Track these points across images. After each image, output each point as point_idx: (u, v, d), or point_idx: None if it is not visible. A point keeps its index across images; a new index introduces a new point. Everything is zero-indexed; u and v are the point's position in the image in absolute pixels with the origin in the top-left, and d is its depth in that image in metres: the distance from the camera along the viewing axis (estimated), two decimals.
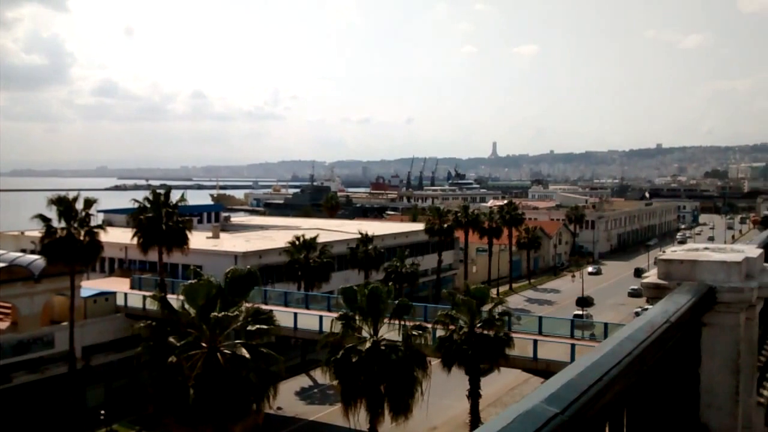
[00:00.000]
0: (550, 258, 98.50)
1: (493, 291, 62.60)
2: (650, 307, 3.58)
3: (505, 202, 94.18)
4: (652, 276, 4.21)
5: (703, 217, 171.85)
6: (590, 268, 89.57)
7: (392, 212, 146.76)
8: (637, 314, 10.22)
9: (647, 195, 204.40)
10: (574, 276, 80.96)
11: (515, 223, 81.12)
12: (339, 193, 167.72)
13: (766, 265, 4.67)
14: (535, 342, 34.58)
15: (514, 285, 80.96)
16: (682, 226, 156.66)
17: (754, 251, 4.46)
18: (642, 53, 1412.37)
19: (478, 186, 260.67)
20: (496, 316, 33.29)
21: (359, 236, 59.60)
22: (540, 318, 40.03)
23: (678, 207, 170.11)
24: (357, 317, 29.55)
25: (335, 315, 31.70)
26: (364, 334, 29.49)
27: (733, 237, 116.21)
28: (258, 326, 26.55)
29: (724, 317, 3.99)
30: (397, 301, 30.28)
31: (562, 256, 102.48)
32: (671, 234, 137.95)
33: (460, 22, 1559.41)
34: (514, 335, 33.93)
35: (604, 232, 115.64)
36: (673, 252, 4.41)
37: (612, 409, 2.28)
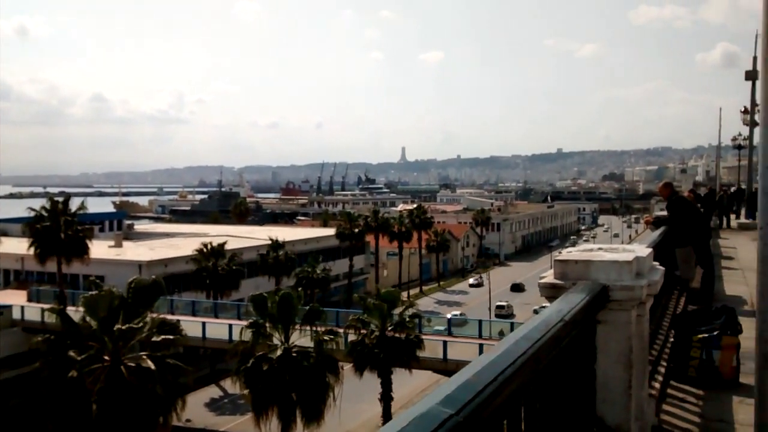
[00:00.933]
0: (458, 260, 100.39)
1: (404, 294, 63.35)
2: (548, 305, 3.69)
3: (415, 206, 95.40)
4: (549, 276, 4.34)
5: (602, 219, 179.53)
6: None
7: (303, 218, 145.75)
8: (536, 312, 10.56)
9: (549, 198, 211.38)
10: (481, 277, 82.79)
11: (424, 227, 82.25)
12: (248, 199, 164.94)
13: (655, 263, 4.91)
14: (445, 343, 35.19)
15: (425, 287, 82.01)
16: (583, 228, 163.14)
17: (644, 251, 4.67)
18: (542, 61, 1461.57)
19: (388, 190, 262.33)
20: (407, 319, 33.64)
21: (269, 242, 58.95)
22: (449, 319, 40.72)
23: (578, 209, 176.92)
24: (268, 324, 29.19)
25: (245, 323, 31.20)
26: (275, 341, 29.17)
27: (630, 237, 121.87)
28: (164, 337, 25.81)
29: (617, 314, 4.13)
30: (308, 307, 30.13)
31: (470, 258, 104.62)
32: (572, 235, 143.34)
33: (367, 29, 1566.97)
34: (424, 337, 34.41)
35: (510, 234, 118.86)
36: (569, 253, 4.56)
37: (508, 408, 2.32)
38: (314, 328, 29.40)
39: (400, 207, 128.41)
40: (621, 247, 4.87)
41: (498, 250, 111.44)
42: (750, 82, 32.54)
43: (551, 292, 4.18)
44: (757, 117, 33.68)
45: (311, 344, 28.95)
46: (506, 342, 2.56)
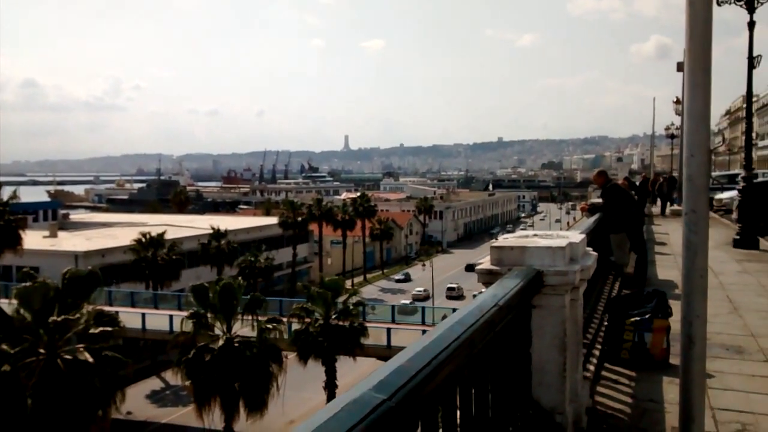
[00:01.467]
0: (402, 248, 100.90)
1: (348, 282, 63.49)
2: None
3: (358, 194, 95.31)
4: (485, 263, 4.40)
5: (541, 206, 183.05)
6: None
7: (245, 206, 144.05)
8: (475, 297, 10.79)
9: (490, 186, 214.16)
10: (424, 265, 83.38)
11: (368, 215, 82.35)
12: (188, 188, 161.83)
13: (588, 249, 5.04)
14: (389, 330, 35.41)
15: (369, 276, 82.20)
16: (523, 215, 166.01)
17: (578, 237, 4.78)
18: (482, 51, 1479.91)
19: (331, 179, 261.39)
20: (351, 307, 33.72)
21: (211, 231, 58.09)
22: (392, 306, 40.96)
23: (518, 197, 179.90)
24: (209, 315, 28.84)
25: (186, 314, 30.74)
26: (217, 331, 28.85)
27: (568, 223, 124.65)
28: (102, 329, 25.21)
29: (551, 299, 4.22)
30: (249, 296, 29.88)
31: (413, 246, 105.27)
32: (512, 222, 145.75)
33: (308, 16, 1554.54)
34: (368, 325, 34.56)
35: (452, 222, 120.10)
36: (505, 239, 4.64)
37: (442, 392, 2.35)
38: (257, 318, 29.17)
39: (344, 195, 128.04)
40: (555, 234, 4.98)
41: (441, 237, 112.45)
42: (681, 74, 33.62)
43: (488, 278, 4.24)
44: None
45: (254, 334, 28.73)
46: (441, 327, 2.59)
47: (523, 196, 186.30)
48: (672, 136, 39.69)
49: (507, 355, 3.59)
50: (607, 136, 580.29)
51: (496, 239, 5.08)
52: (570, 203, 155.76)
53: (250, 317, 29.17)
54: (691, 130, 3.30)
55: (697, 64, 3.22)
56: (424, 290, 64.60)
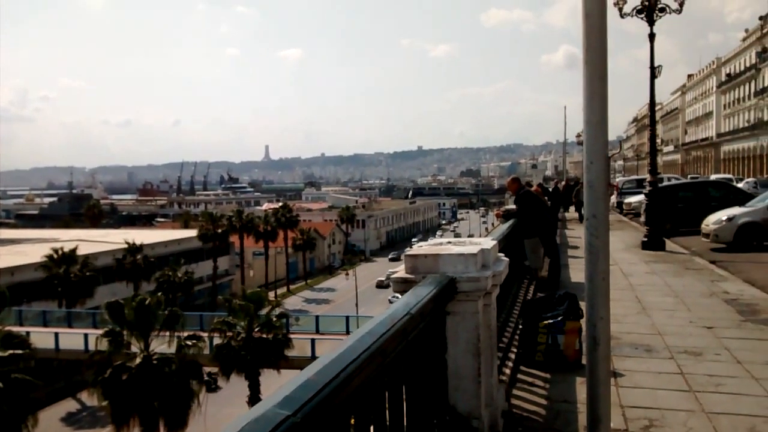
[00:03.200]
0: (325, 258, 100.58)
1: (271, 294, 62.73)
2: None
3: (280, 204, 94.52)
4: (400, 271, 4.43)
5: (461, 213, 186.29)
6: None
7: (163, 219, 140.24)
8: (391, 302, 10.87)
9: (411, 194, 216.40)
10: (347, 274, 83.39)
11: (290, 226, 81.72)
12: (102, 201, 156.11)
13: (500, 254, 5.14)
14: (313, 341, 35.15)
15: (292, 286, 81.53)
16: (443, 222, 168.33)
17: (490, 243, 4.87)
18: (400, 60, 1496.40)
19: (252, 189, 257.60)
20: (274, 319, 33.33)
21: (126, 246, 56.32)
22: (317, 317, 40.72)
23: (439, 204, 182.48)
24: (125, 332, 27.97)
25: (101, 332, 29.68)
26: (134, 349, 28.00)
27: (486, 230, 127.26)
28: (11, 352, 24.08)
29: (465, 305, 4.28)
30: (166, 312, 29.12)
31: (336, 256, 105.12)
32: (433, 229, 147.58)
33: (222, 24, 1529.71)
34: (292, 336, 34.22)
35: (374, 231, 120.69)
36: (419, 247, 4.69)
37: (353, 404, 2.34)
38: (176, 334, 28.46)
39: (265, 206, 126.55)
40: (468, 241, 5.06)
41: (364, 246, 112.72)
42: None
43: (402, 286, 4.26)
44: None
45: (173, 350, 28.02)
46: (351, 338, 2.58)
47: (444, 204, 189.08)
48: (581, 144, 41.10)
49: (422, 363, 3.61)
50: (522, 143, 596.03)
51: (412, 247, 5.12)
52: (483, 209, 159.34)
53: (168, 333, 28.43)
54: (590, 138, 3.41)
55: (595, 74, 3.34)
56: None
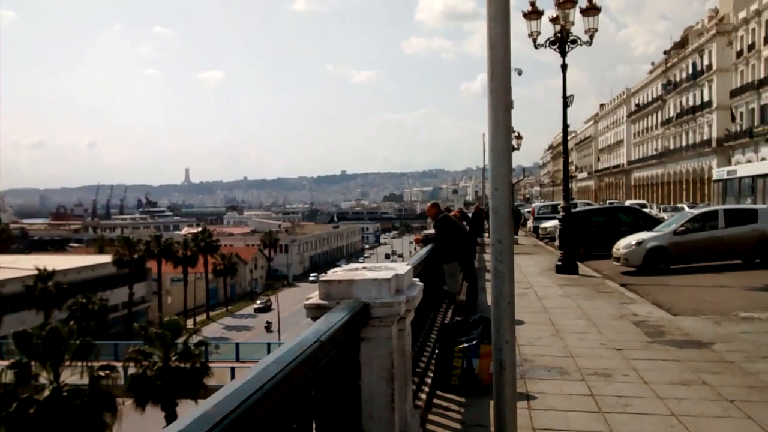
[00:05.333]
0: (246, 283, 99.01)
1: (190, 321, 61.17)
2: None
3: (200, 229, 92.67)
4: (314, 297, 4.39)
5: (384, 237, 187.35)
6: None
7: (77, 244, 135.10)
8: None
9: (335, 218, 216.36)
10: (269, 300, 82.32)
11: (210, 251, 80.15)
12: (12, 225, 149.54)
13: (415, 279, 5.17)
14: (233, 369, 34.40)
15: (212, 313, 79.72)
16: (367, 246, 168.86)
17: (404, 268, 4.90)
18: (324, 85, 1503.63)
19: (171, 213, 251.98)
20: (192, 347, 32.48)
21: (36, 272, 53.91)
22: (237, 344, 39.92)
23: (362, 228, 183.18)
24: (33, 363, 26.66)
25: (7, 363, 28.19)
26: (43, 380, 26.70)
27: (410, 253, 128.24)
28: None
29: (379, 331, 4.27)
30: (78, 341, 27.95)
31: (258, 281, 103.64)
32: (357, 254, 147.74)
33: (140, 45, 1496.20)
34: (212, 365, 33.40)
35: (297, 255, 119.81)
36: (334, 273, 4.66)
37: None
38: (88, 364, 27.32)
39: (185, 230, 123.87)
40: (384, 266, 5.07)
41: (287, 271, 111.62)
42: None
43: (316, 312, 4.22)
44: (514, 142, 37.07)
45: (85, 381, 26.87)
46: (255, 368, 2.52)
47: (367, 228, 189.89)
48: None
49: (334, 390, 3.57)
50: (444, 169, 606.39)
51: (327, 273, 5.09)
52: (394, 232, 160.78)
53: (80, 364, 27.27)
54: (495, 165, 3.50)
55: (499, 103, 3.43)
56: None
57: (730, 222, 18.96)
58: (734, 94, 63.46)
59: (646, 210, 32.68)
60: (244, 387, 2.26)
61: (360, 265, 5.19)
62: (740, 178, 30.49)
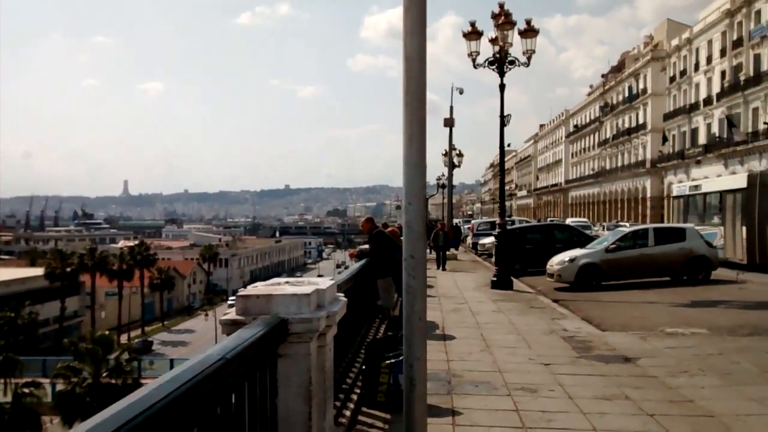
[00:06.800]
0: (184, 298, 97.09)
1: (124, 337, 59.52)
2: None
3: (137, 242, 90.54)
4: (231, 312, 4.27)
5: (327, 252, 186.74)
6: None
7: (7, 257, 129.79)
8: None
9: (277, 233, 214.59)
10: (207, 315, 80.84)
11: (147, 264, 78.38)
12: None
13: (338, 295, 5.09)
14: None
15: (147, 328, 77.76)
16: (309, 261, 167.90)
17: (327, 283, 4.81)
18: (268, 99, 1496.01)
19: (108, 226, 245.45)
20: (124, 363, 31.59)
21: None
22: (171, 360, 38.99)
23: (305, 243, 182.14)
24: None
25: None
26: None
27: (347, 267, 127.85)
28: None
29: (297, 347, 4.16)
30: (2, 357, 26.86)
31: (196, 296, 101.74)
32: (299, 268, 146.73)
33: (79, 54, 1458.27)
34: (144, 381, 32.50)
35: (238, 270, 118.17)
36: (253, 287, 4.55)
37: None
38: (12, 380, 26.26)
39: (121, 243, 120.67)
40: (306, 281, 4.97)
41: (226, 285, 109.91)
42: (448, 129, 36.45)
43: (232, 328, 4.08)
44: (455, 159, 37.38)
45: (8, 399, 25.79)
46: (148, 387, 2.40)
47: (310, 243, 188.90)
48: (443, 186, 42.44)
49: (247, 409, 3.46)
50: (388, 185, 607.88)
51: (253, 287, 4.96)
52: (331, 247, 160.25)
53: (4, 381, 26.19)
54: (409, 179, 3.46)
55: (414, 117, 3.41)
56: None
57: (660, 240, 19.56)
58: (667, 117, 65.82)
59: (589, 230, 33.39)
60: (129, 409, 2.14)
61: (282, 280, 5.08)
62: (705, 194, 27.97)
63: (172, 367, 37.61)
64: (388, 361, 6.45)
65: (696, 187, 29.57)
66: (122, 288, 73.27)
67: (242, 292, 4.34)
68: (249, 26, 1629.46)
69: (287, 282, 4.84)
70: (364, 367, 6.83)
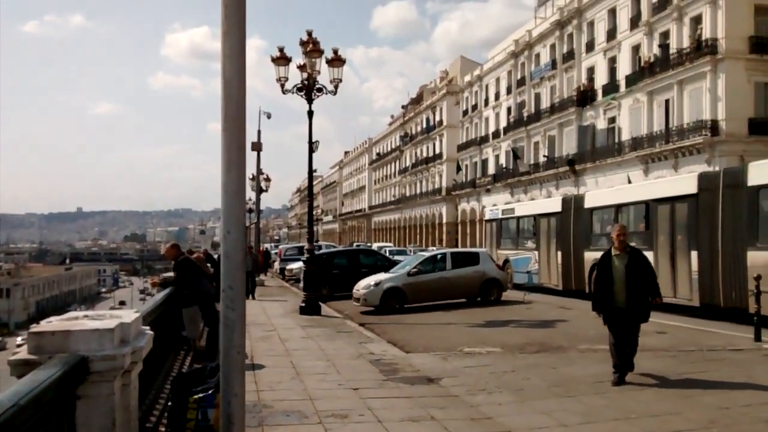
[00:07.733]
0: None
1: None
2: None
3: None
4: (22, 351, 3.86)
5: (124, 280, 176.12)
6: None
7: None
8: None
9: (68, 259, 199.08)
10: None
11: None
12: None
13: (144, 328, 4.80)
14: None
15: None
16: (103, 290, 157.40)
17: (132, 316, 4.52)
18: (55, 116, 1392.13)
19: None
20: None
21: None
22: None
23: (99, 270, 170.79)
24: None
25: None
26: None
27: (152, 295, 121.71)
28: None
29: (99, 387, 3.86)
30: None
31: None
32: (92, 298, 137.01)
33: None
34: None
35: (21, 300, 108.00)
36: (48, 323, 4.16)
37: None
38: None
39: None
40: (108, 314, 4.64)
41: (7, 318, 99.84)
42: (255, 153, 36.14)
43: (23, 369, 3.69)
44: (263, 184, 37.10)
45: None
46: None
47: (105, 270, 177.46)
48: (249, 211, 41.90)
49: None
50: (191, 209, 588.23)
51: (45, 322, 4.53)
52: (144, 279, 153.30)
53: None
54: (228, 207, 3.36)
55: (233, 143, 3.32)
56: None
57: (456, 264, 20.73)
58: (461, 148, 70.49)
59: (406, 255, 33.88)
60: None
61: (81, 313, 4.70)
62: (518, 218, 27.31)
63: None
64: (195, 396, 6.17)
65: (509, 210, 28.90)
66: None
67: (35, 328, 3.96)
68: (36, 35, 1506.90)
69: (86, 316, 4.49)
70: (170, 403, 6.48)
